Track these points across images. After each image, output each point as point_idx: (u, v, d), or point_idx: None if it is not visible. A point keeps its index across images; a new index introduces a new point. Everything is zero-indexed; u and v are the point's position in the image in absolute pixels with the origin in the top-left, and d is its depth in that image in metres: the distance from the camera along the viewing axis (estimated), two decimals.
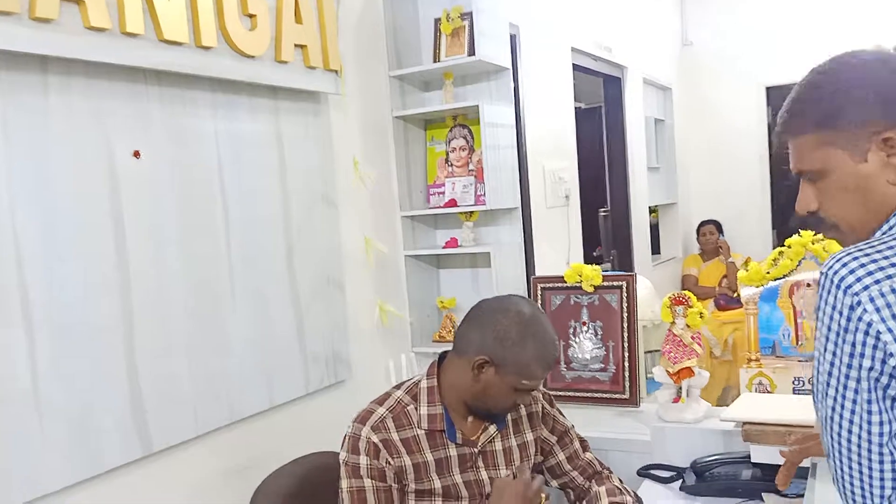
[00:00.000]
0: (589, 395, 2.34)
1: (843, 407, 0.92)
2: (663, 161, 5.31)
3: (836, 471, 0.95)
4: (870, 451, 0.90)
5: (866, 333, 0.88)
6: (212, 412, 1.82)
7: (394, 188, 2.58)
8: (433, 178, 2.71)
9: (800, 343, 2.04)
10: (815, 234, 2.06)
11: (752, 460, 1.68)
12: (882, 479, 0.91)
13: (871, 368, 0.89)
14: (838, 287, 0.91)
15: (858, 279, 0.90)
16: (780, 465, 1.67)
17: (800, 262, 2.06)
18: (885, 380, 0.89)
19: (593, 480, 1.66)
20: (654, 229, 5.31)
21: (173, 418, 1.72)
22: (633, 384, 2.29)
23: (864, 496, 0.92)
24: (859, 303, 0.89)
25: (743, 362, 4.55)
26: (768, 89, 5.37)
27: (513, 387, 1.47)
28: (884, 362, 0.88)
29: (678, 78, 5.45)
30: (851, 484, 0.93)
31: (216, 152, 1.88)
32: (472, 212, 2.59)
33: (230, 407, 1.87)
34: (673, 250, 5.36)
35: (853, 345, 0.89)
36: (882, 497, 0.91)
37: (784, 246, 2.07)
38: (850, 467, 0.92)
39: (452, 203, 2.58)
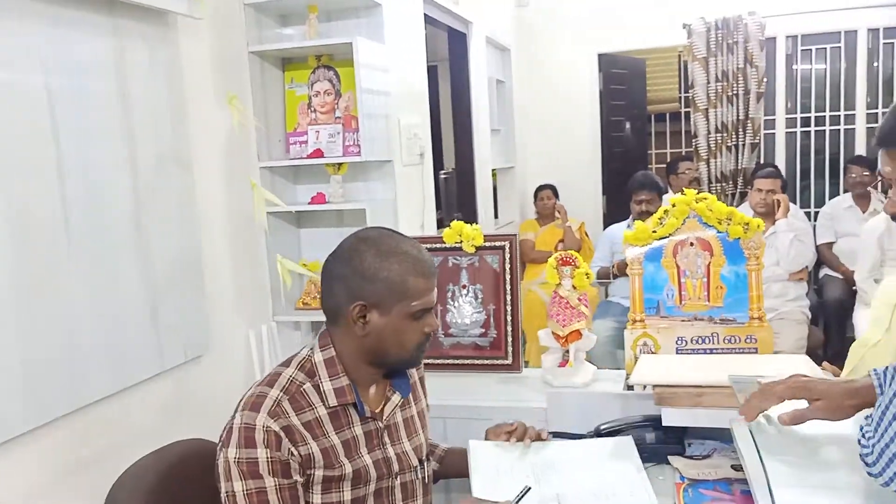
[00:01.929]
0: (469, 361, 2.22)
1: None
2: (503, 124, 5.31)
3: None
4: None
5: None
6: (48, 399, 1.47)
7: (251, 135, 2.27)
8: (293, 126, 2.42)
9: (683, 302, 2.04)
10: (697, 193, 2.07)
11: (664, 423, 1.63)
12: None
13: None
14: None
15: None
16: (684, 427, 1.67)
17: (684, 221, 2.06)
18: None
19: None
20: (493, 193, 5.31)
21: None
22: (516, 349, 2.21)
23: None
24: None
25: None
26: (600, 56, 5.51)
27: (407, 315, 1.30)
28: None
29: (516, 39, 5.44)
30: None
31: (44, 78, 1.49)
32: (340, 164, 2.35)
33: (71, 392, 1.52)
34: (511, 214, 5.40)
35: None
36: None
37: (670, 206, 2.05)
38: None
39: (318, 154, 2.32)
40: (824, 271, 4.56)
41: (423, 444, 1.47)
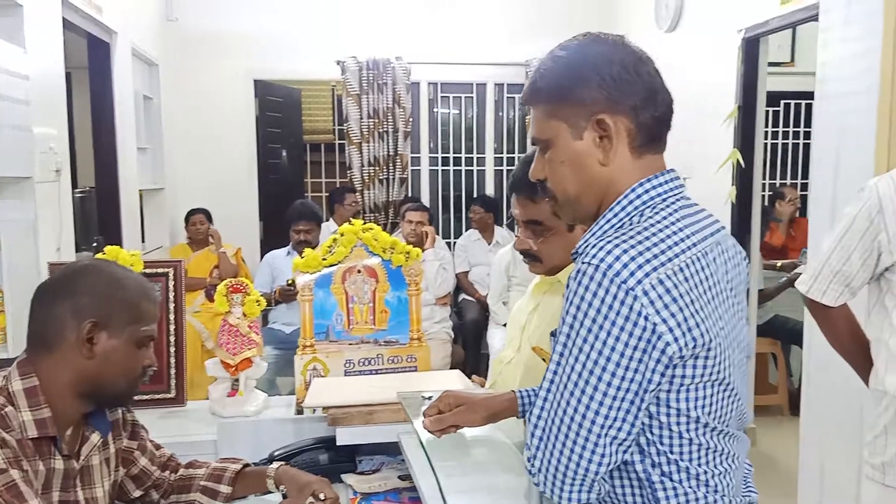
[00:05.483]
0: None
1: (583, 392, 0.95)
2: (151, 142, 4.99)
3: (545, 451, 0.99)
4: (587, 439, 0.96)
5: (644, 329, 0.92)
6: None
7: None
8: None
9: (351, 327, 2.12)
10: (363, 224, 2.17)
11: (339, 443, 1.68)
12: (587, 466, 0.97)
13: (640, 360, 0.93)
14: (611, 280, 0.93)
15: (632, 272, 0.93)
16: (356, 445, 1.74)
17: (352, 249, 2.15)
18: (650, 375, 0.94)
19: (182, 469, 1.55)
20: (140, 215, 4.95)
21: None
22: (180, 382, 2.08)
23: (565, 473, 0.98)
24: (636, 297, 0.92)
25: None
26: (256, 82, 5.49)
27: (135, 341, 1.31)
28: (659, 352, 0.93)
29: (165, 54, 5.16)
30: (559, 461, 0.97)
31: None
32: None
33: None
34: (160, 239, 5.06)
35: (627, 335, 0.92)
36: (583, 480, 0.98)
37: (342, 234, 2.13)
38: (562, 452, 0.97)
39: None
40: (462, 296, 5.10)
41: (116, 485, 1.42)
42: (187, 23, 5.30)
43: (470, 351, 4.76)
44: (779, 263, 4.78)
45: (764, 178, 5.26)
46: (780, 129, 6.18)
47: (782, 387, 4.61)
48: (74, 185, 4.57)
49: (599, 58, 1.03)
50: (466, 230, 5.49)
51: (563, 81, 1.04)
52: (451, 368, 4.15)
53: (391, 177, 5.43)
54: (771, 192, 5.51)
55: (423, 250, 4.02)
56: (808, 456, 2.85)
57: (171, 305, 2.07)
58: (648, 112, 1.03)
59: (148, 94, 4.96)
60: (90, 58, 4.21)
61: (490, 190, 5.81)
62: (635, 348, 0.93)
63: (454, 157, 5.86)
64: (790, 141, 6.19)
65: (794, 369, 4.60)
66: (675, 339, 0.94)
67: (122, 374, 1.30)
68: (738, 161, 3.84)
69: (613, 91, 1.01)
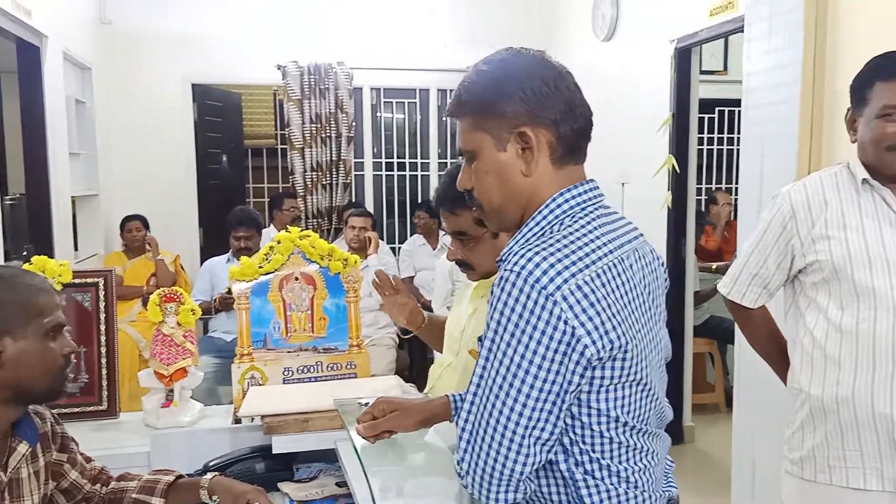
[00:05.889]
0: (56, 410, 1.97)
1: (507, 395, 0.98)
2: (84, 148, 4.87)
3: (472, 453, 1.01)
4: (512, 440, 0.99)
5: (564, 333, 0.96)
6: None
7: None
8: None
9: (289, 334, 2.11)
10: (301, 231, 2.17)
11: (275, 451, 1.67)
12: (513, 467, 1.00)
13: (560, 363, 0.96)
14: (532, 286, 0.96)
15: (551, 279, 0.96)
16: (294, 453, 1.73)
17: (289, 257, 2.14)
18: (570, 377, 0.97)
19: (113, 482, 1.53)
20: (73, 223, 4.82)
21: None
22: (112, 393, 2.05)
23: (492, 474, 1.00)
24: (555, 302, 0.95)
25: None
26: (194, 86, 5.39)
27: (42, 335, 1.29)
28: (578, 354, 0.96)
29: (98, 58, 5.04)
30: (486, 463, 1.00)
31: None
32: None
33: None
34: (94, 246, 4.93)
35: (548, 339, 0.95)
36: (509, 480, 1.00)
37: (277, 242, 2.12)
38: (488, 454, 1.00)
39: None
40: None
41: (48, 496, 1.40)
42: (121, 25, 5.18)
43: (415, 356, 4.77)
44: (714, 266, 4.92)
45: (700, 183, 5.44)
46: (715, 136, 6.37)
47: (719, 385, 4.75)
48: (4, 192, 4.46)
49: (521, 73, 1.07)
50: (411, 235, 5.50)
51: (487, 95, 1.08)
52: (396, 373, 4.17)
53: (334, 182, 5.41)
54: (706, 197, 5.68)
55: (367, 256, 4.02)
56: (741, 450, 2.95)
57: (102, 316, 2.04)
58: (568, 125, 1.07)
59: (81, 99, 4.84)
60: (19, 62, 4.10)
61: (433, 195, 5.82)
62: (556, 351, 0.96)
63: (398, 163, 5.87)
64: (725, 147, 6.38)
65: (730, 367, 4.73)
66: (594, 342, 0.97)
67: (42, 373, 1.29)
68: (673, 167, 3.95)
69: (534, 105, 1.05)
